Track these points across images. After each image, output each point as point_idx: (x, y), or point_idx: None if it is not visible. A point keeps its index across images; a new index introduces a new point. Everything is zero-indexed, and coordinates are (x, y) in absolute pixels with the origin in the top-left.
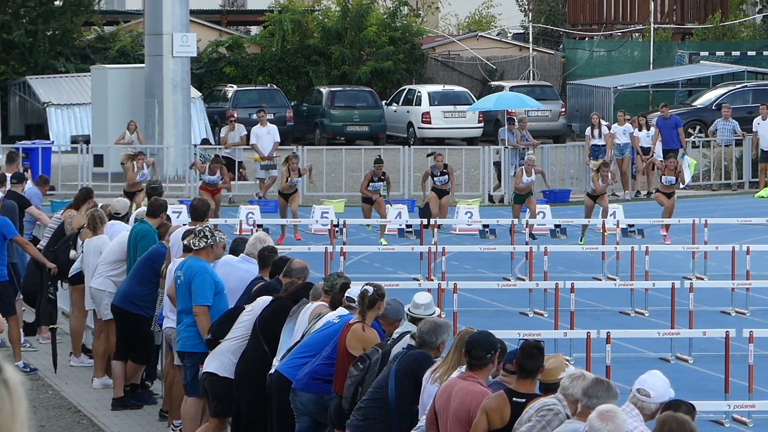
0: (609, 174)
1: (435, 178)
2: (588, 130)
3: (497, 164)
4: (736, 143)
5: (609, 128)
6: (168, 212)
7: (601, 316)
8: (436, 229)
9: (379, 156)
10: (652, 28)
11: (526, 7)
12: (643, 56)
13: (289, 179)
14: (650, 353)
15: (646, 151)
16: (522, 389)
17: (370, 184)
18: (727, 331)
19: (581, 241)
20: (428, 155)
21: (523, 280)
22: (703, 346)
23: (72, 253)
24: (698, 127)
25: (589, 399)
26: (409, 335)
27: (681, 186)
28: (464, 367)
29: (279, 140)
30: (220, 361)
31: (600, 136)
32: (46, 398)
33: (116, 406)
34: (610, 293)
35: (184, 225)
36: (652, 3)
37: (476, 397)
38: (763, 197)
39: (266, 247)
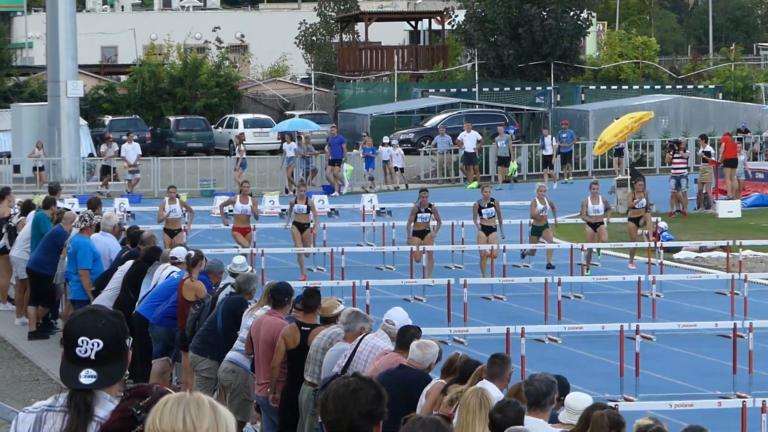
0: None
1: (419, 215)
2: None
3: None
4: (454, 152)
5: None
6: (67, 204)
7: (364, 272)
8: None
9: (424, 188)
10: (396, 74)
11: (310, 59)
12: (390, 93)
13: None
14: (396, 295)
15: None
16: (307, 321)
17: (418, 215)
18: (449, 280)
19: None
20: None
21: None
22: (433, 291)
23: None
24: (428, 141)
25: (346, 324)
26: (230, 285)
27: (343, 192)
28: (269, 306)
29: (141, 153)
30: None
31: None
32: None
33: (31, 337)
34: (369, 255)
35: (77, 212)
36: (396, 56)
37: (278, 327)
38: (473, 188)
39: (133, 226)
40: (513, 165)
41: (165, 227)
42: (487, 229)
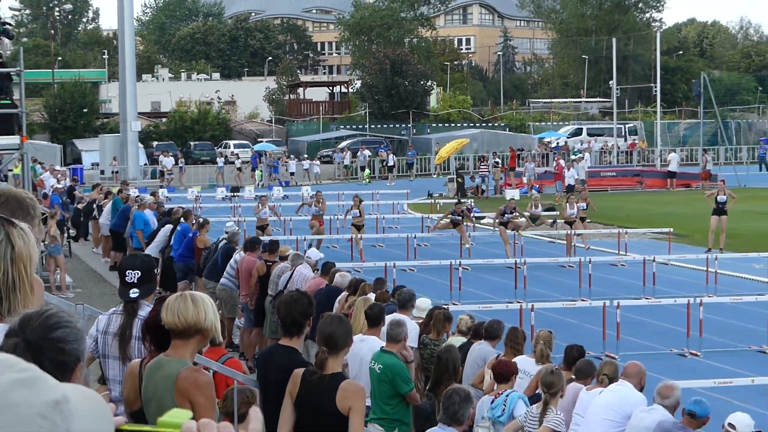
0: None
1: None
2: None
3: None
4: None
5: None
6: (131, 192)
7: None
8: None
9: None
10: (321, 117)
11: (271, 109)
12: (317, 128)
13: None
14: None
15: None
16: (270, 259)
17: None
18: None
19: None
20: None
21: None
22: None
23: None
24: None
25: (291, 261)
26: (224, 239)
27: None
28: (248, 251)
29: (174, 163)
30: None
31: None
32: None
33: (111, 270)
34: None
35: (136, 197)
36: (321, 107)
37: (253, 262)
38: (366, 182)
39: (169, 207)
40: (367, 171)
41: (257, 225)
42: (506, 225)
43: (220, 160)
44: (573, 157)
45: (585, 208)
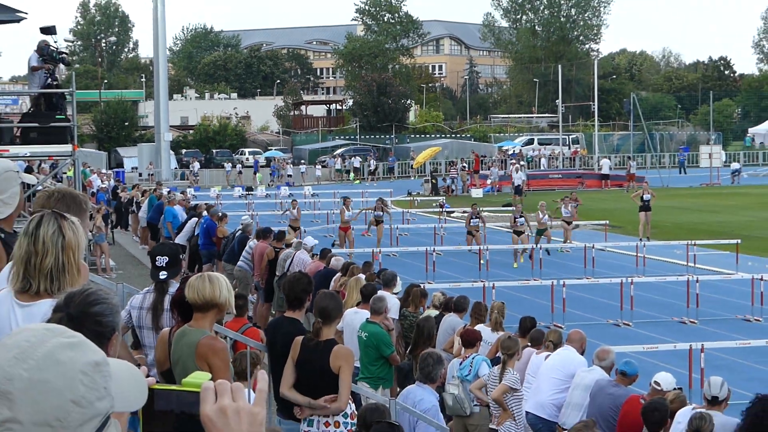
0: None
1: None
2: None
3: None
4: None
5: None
6: (164, 191)
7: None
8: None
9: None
10: (320, 129)
11: (280, 123)
12: (317, 138)
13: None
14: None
15: None
16: (278, 246)
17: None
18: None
19: None
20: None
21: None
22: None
23: None
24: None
25: (294, 248)
26: (240, 229)
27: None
28: (261, 239)
29: (198, 167)
30: None
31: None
32: None
33: (148, 255)
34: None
35: (167, 193)
36: (320, 121)
37: (264, 248)
38: (356, 183)
39: (196, 203)
40: (353, 174)
41: (289, 224)
42: (518, 233)
43: (228, 165)
44: (513, 161)
45: (576, 206)
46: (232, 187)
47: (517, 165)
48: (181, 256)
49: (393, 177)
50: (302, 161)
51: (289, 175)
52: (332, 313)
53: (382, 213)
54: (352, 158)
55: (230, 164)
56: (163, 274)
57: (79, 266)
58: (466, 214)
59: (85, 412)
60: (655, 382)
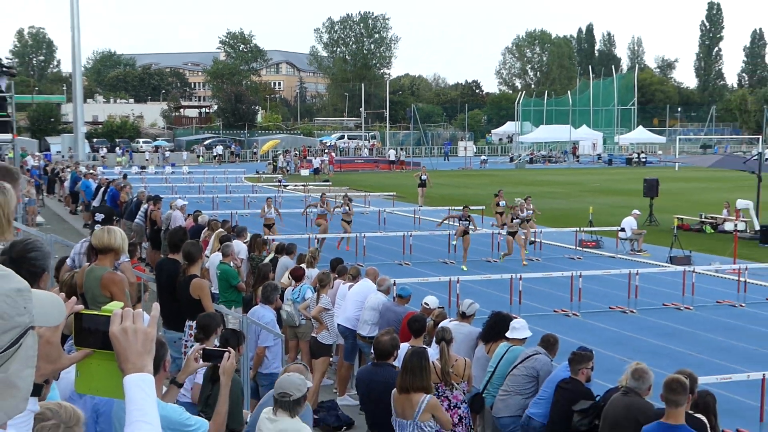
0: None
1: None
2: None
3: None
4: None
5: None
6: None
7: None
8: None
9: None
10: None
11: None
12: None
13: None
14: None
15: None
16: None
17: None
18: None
19: None
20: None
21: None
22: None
23: None
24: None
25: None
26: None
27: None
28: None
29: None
30: None
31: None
32: None
33: None
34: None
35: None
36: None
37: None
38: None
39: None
40: (204, 157)
41: (264, 224)
42: (512, 233)
43: (119, 151)
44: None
45: (532, 212)
46: (130, 167)
47: (318, 153)
48: (115, 218)
49: (241, 161)
50: (182, 148)
51: (167, 158)
52: (195, 256)
53: (348, 209)
54: (216, 147)
55: (128, 150)
56: (98, 226)
57: (9, 218)
58: (454, 220)
59: (6, 324)
60: (425, 303)
